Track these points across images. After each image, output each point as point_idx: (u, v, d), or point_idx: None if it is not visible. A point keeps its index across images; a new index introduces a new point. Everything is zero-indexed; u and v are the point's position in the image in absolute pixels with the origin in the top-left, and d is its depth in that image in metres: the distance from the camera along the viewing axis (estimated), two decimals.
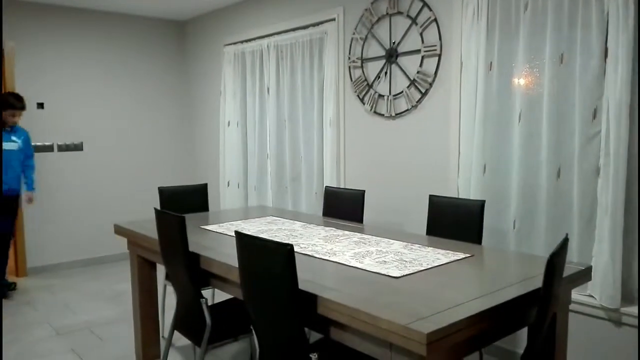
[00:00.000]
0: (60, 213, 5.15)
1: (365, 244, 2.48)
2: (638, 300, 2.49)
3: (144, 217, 3.40)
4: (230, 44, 5.08)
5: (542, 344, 1.78)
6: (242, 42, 4.94)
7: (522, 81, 2.93)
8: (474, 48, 3.08)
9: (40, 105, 4.97)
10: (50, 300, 4.25)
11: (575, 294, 2.70)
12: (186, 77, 5.90)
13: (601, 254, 2.61)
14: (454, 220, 2.79)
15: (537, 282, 1.85)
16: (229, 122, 5.13)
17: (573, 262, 2.25)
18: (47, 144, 5.03)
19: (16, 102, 4.22)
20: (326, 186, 3.65)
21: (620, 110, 2.48)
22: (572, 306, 2.40)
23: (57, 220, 5.13)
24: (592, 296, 2.71)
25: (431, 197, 2.95)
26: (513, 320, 1.81)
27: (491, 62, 3.03)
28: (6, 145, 4.21)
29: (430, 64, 3.38)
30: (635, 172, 2.52)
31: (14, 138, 4.27)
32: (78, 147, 5.22)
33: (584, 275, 2.10)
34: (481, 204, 2.71)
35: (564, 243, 1.78)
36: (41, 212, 5.02)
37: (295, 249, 2.39)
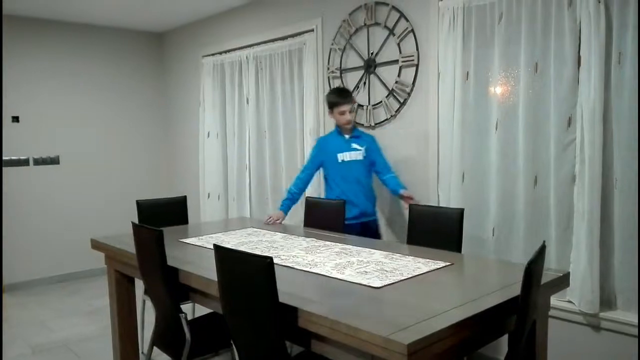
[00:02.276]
0: (36, 228, 5.04)
1: (346, 254, 2.47)
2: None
3: (122, 231, 3.35)
4: (209, 55, 5.06)
5: (523, 350, 1.79)
6: (220, 53, 4.93)
7: (498, 90, 2.97)
8: (451, 58, 3.11)
9: (15, 119, 4.88)
10: (26, 317, 4.14)
11: (555, 300, 2.72)
12: (164, 89, 5.86)
13: (579, 260, 2.64)
14: (434, 229, 2.80)
15: (517, 290, 1.86)
16: (208, 133, 5.10)
17: (551, 268, 2.27)
18: (22, 157, 4.93)
19: (338, 98, 3.28)
20: (307, 197, 3.64)
21: (594, 118, 2.52)
22: (551, 312, 2.42)
23: (33, 236, 5.02)
24: (571, 302, 2.74)
25: (411, 206, 2.96)
26: (494, 328, 1.82)
27: (468, 72, 3.07)
28: (345, 156, 3.32)
29: (408, 74, 3.41)
30: (609, 179, 2.57)
31: (355, 145, 3.34)
32: (54, 161, 5.13)
33: (562, 281, 2.12)
34: (460, 212, 2.72)
35: (542, 250, 1.79)
36: (16, 228, 4.91)
37: (276, 260, 2.36)
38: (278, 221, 3.38)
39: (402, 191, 3.20)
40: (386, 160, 3.37)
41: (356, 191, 3.31)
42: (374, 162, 3.34)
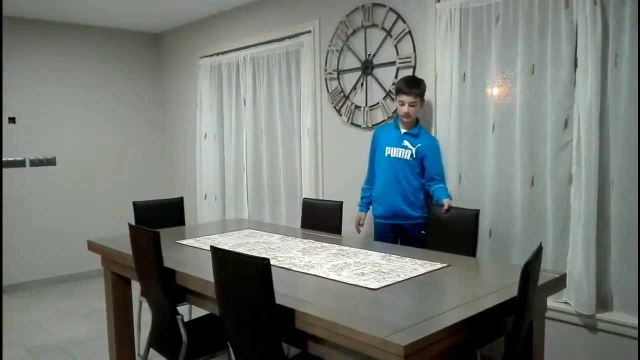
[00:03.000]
0: (33, 229, 5.02)
1: (343, 255, 2.47)
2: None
3: (119, 232, 3.33)
4: (206, 56, 5.06)
5: (520, 351, 1.79)
6: (218, 54, 4.93)
7: (495, 92, 2.98)
8: (448, 59, 3.12)
9: (12, 120, 4.87)
10: (22, 319, 4.13)
11: (551, 301, 2.72)
12: (161, 90, 5.85)
13: (575, 261, 2.65)
14: (449, 231, 2.80)
15: (513, 291, 1.86)
16: (205, 135, 5.09)
17: (548, 270, 2.28)
18: (19, 159, 4.92)
19: (402, 85, 3.05)
20: (304, 198, 3.64)
21: (591, 119, 2.53)
22: (548, 313, 2.42)
23: (30, 237, 5.00)
24: (567, 303, 2.74)
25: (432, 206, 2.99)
26: (491, 329, 1.82)
27: (465, 73, 3.07)
28: (392, 151, 3.10)
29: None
30: (606, 180, 2.57)
31: (406, 142, 3.08)
32: (51, 162, 5.11)
33: (559, 282, 2.12)
34: (475, 214, 2.74)
35: (538, 251, 1.80)
36: (13, 229, 4.89)
37: (273, 262, 2.36)
38: (361, 223, 3.30)
39: (444, 200, 2.91)
40: (440, 169, 3.09)
41: (391, 189, 3.09)
42: (424, 167, 3.07)
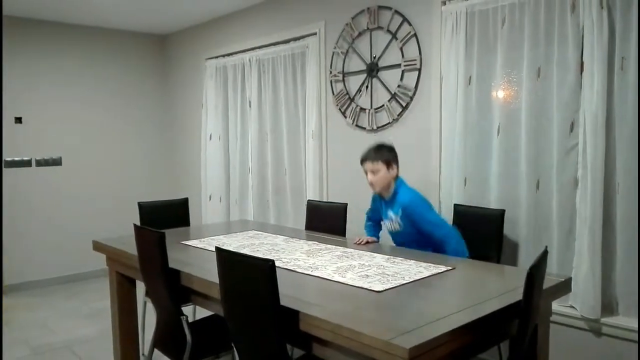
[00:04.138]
0: (38, 229, 5.04)
1: (347, 257, 2.47)
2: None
3: (124, 232, 3.34)
4: (212, 58, 5.07)
5: (524, 355, 1.79)
6: (223, 56, 4.94)
7: (500, 95, 2.98)
8: (454, 62, 3.12)
9: (18, 120, 4.89)
10: (27, 318, 4.15)
11: (557, 305, 2.72)
12: (167, 91, 5.87)
13: (581, 265, 2.64)
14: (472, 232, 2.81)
15: (518, 295, 1.86)
16: (210, 136, 5.10)
17: (553, 273, 2.27)
18: (25, 158, 4.94)
19: (365, 152, 2.81)
20: (308, 200, 3.64)
21: (596, 123, 2.52)
22: (553, 317, 2.42)
23: (35, 237, 5.03)
24: (573, 307, 2.73)
25: (456, 205, 3.01)
26: (495, 332, 1.82)
27: (470, 76, 3.07)
28: (387, 224, 2.85)
29: (410, 78, 3.41)
30: (611, 184, 2.56)
31: (390, 213, 2.78)
32: (57, 162, 5.14)
33: (564, 286, 2.12)
34: (501, 214, 2.76)
35: (544, 255, 1.79)
36: (18, 229, 4.92)
37: (277, 263, 2.36)
38: (364, 243, 2.85)
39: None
40: (438, 228, 2.65)
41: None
42: (422, 234, 2.68)
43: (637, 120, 2.45)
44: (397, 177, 2.79)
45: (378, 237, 2.97)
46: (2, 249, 4.80)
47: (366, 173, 2.78)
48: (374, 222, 3.04)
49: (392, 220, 2.77)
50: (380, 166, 2.73)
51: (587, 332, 2.68)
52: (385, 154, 2.76)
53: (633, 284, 2.53)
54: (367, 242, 2.84)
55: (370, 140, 3.68)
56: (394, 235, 2.83)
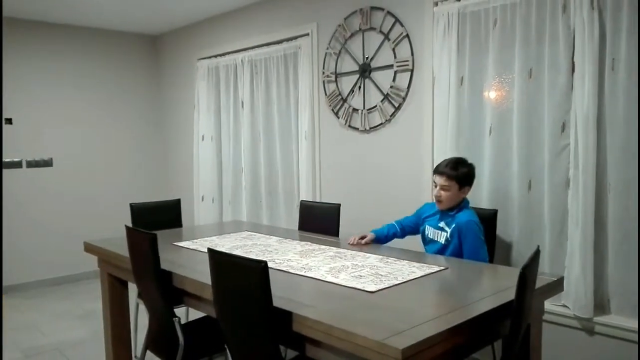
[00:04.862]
0: (29, 231, 5.00)
1: (341, 258, 2.47)
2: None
3: (115, 234, 3.32)
4: (204, 58, 5.06)
5: (517, 354, 1.79)
6: (216, 56, 4.93)
7: (492, 95, 2.99)
8: (446, 63, 3.12)
9: (9, 121, 4.85)
10: (18, 320, 4.11)
11: (549, 305, 2.73)
12: (159, 92, 5.85)
13: (573, 264, 2.65)
14: None
15: (510, 294, 1.86)
16: (203, 136, 5.09)
17: (545, 273, 2.28)
18: (15, 160, 4.90)
19: (439, 165, 2.69)
20: (301, 200, 3.64)
21: (588, 123, 2.53)
22: (546, 316, 2.42)
23: (26, 238, 4.98)
24: (565, 306, 2.74)
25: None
26: (488, 332, 1.82)
27: (462, 77, 3.08)
28: (430, 231, 2.73)
29: (403, 79, 3.42)
30: (603, 184, 2.58)
31: (442, 224, 2.66)
32: (47, 163, 5.10)
33: (556, 286, 2.13)
34: (493, 213, 2.77)
35: (536, 255, 1.80)
36: (9, 230, 4.87)
37: (270, 264, 2.36)
38: (364, 242, 2.80)
39: None
40: (478, 253, 2.53)
41: None
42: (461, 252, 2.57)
43: (637, 120, 2.47)
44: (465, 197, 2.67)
45: (382, 238, 2.86)
46: (2, 249, 4.77)
47: (435, 184, 2.65)
48: (400, 226, 2.90)
49: (440, 231, 2.64)
50: (453, 185, 2.58)
51: (580, 330, 2.69)
52: (462, 173, 2.60)
53: (625, 282, 2.54)
54: (363, 238, 2.78)
55: (364, 140, 3.69)
56: (431, 244, 2.70)
